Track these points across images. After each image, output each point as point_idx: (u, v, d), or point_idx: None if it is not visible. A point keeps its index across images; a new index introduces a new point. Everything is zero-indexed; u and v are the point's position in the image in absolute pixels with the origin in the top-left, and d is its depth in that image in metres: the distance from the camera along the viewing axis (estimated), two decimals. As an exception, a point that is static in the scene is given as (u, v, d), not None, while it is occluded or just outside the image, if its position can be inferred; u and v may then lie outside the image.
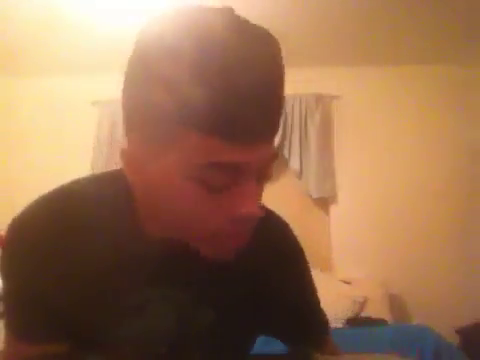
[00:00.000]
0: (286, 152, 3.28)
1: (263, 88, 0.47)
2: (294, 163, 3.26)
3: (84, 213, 0.60)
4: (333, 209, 3.32)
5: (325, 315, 0.79)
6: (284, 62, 0.51)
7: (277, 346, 0.79)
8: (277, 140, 3.26)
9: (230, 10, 0.51)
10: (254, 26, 0.50)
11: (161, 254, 0.60)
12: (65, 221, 0.60)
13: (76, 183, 0.65)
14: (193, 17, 0.49)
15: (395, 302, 2.97)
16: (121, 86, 0.54)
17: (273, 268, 0.69)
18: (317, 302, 0.77)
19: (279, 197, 3.39)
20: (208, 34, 0.47)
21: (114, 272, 0.60)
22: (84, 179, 0.66)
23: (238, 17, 0.51)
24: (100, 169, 3.36)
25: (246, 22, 0.50)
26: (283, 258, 0.70)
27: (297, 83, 3.31)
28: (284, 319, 0.72)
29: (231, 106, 0.46)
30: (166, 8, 0.55)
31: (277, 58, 0.50)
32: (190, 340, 0.65)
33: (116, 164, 3.37)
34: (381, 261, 3.13)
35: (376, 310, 2.72)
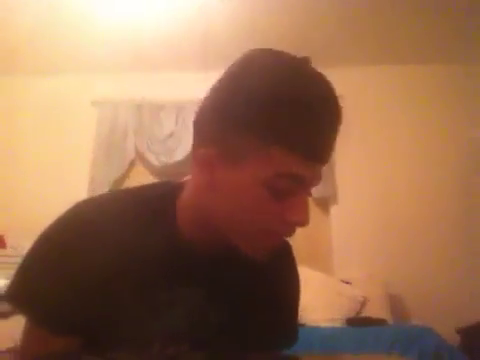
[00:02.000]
0: (286, 152, 3.28)
1: (335, 122, 0.60)
2: (294, 163, 3.25)
3: (124, 217, 0.66)
4: (333, 209, 3.31)
5: (290, 336, 0.82)
6: None
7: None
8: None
9: (308, 59, 0.63)
10: (320, 73, 0.62)
11: (191, 256, 0.66)
12: (105, 222, 0.65)
13: (119, 190, 0.75)
14: (288, 58, 0.61)
15: (395, 302, 2.97)
16: (211, 93, 0.63)
17: (280, 282, 0.78)
18: (295, 317, 0.83)
19: (279, 197, 3.40)
20: (302, 73, 0.59)
21: (146, 270, 0.64)
22: (128, 188, 0.75)
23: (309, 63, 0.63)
24: (100, 169, 3.36)
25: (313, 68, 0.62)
26: (289, 275, 0.81)
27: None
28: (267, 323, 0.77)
29: (314, 131, 0.57)
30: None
31: (339, 103, 0.61)
32: (204, 337, 0.69)
33: (115, 163, 3.37)
34: (381, 261, 3.12)
35: (376, 310, 2.72)
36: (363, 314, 2.72)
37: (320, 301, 2.72)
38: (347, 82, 3.32)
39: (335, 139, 0.61)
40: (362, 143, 3.31)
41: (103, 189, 3.16)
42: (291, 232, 0.63)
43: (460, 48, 3.09)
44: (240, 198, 0.60)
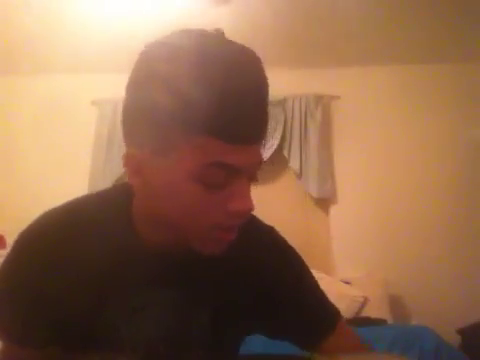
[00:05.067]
0: (286, 152, 3.28)
1: (257, 97, 0.54)
2: (294, 163, 3.25)
3: (85, 225, 0.65)
4: (333, 209, 3.31)
5: (333, 307, 0.79)
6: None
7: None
8: (277, 140, 3.26)
9: (221, 32, 0.57)
10: (240, 45, 0.57)
11: (156, 258, 0.64)
12: (68, 232, 0.64)
13: (79, 199, 0.70)
14: (195, 38, 0.55)
15: (395, 302, 2.97)
16: (125, 95, 0.59)
17: (265, 269, 0.71)
18: (319, 295, 0.78)
19: (279, 197, 3.40)
20: (210, 51, 0.53)
21: (113, 277, 0.63)
22: (87, 195, 0.72)
23: (226, 38, 0.57)
24: (100, 169, 3.36)
25: (233, 41, 0.57)
26: (273, 259, 0.73)
27: (297, 83, 3.32)
28: (289, 317, 0.73)
29: (232, 112, 0.52)
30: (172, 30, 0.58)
31: (263, 72, 0.56)
32: (189, 339, 0.67)
33: (115, 163, 3.37)
34: (381, 261, 3.12)
35: (376, 310, 2.71)
36: (363, 314, 2.72)
37: (320, 301, 2.71)
38: (346, 82, 3.33)
39: (264, 114, 0.56)
40: (361, 143, 3.31)
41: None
42: (238, 222, 0.58)
43: (457, 47, 3.08)
44: (174, 196, 0.56)
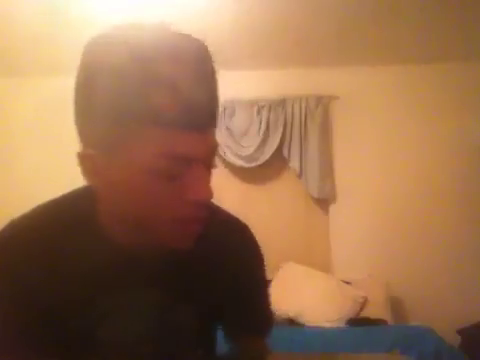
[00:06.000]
0: (286, 152, 3.28)
1: (204, 84, 0.55)
2: (294, 163, 3.25)
3: (53, 231, 0.64)
4: (333, 209, 3.31)
5: (267, 319, 0.81)
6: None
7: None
8: (277, 140, 3.26)
9: (167, 24, 0.57)
10: (186, 34, 0.57)
11: (127, 259, 0.63)
12: (36, 240, 0.63)
13: (43, 205, 0.69)
14: (139, 32, 0.56)
15: (395, 302, 2.96)
16: (74, 94, 0.61)
17: (230, 266, 0.72)
18: (268, 299, 0.81)
19: (279, 197, 3.40)
20: (154, 43, 0.54)
21: (84, 281, 0.62)
22: (50, 200, 0.70)
23: (172, 29, 0.57)
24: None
25: (179, 32, 0.57)
26: (242, 257, 0.74)
27: (297, 84, 3.32)
28: (229, 311, 0.76)
29: (179, 101, 0.52)
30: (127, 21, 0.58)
31: (209, 59, 0.57)
32: (171, 336, 0.68)
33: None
34: (381, 261, 3.12)
35: (376, 310, 2.71)
36: (363, 314, 2.72)
37: (320, 301, 2.71)
38: (346, 82, 3.33)
39: (213, 99, 0.56)
40: (361, 143, 3.31)
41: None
42: (200, 213, 0.58)
43: (459, 46, 3.08)
44: (132, 192, 0.56)
